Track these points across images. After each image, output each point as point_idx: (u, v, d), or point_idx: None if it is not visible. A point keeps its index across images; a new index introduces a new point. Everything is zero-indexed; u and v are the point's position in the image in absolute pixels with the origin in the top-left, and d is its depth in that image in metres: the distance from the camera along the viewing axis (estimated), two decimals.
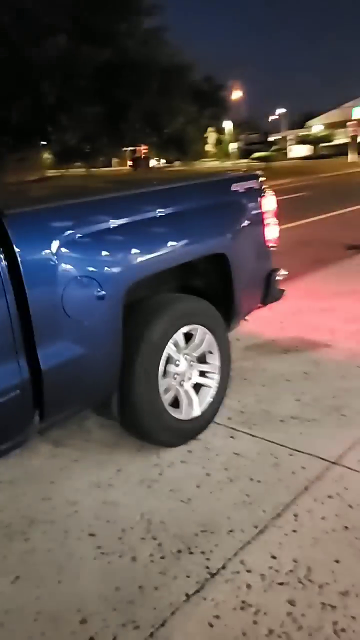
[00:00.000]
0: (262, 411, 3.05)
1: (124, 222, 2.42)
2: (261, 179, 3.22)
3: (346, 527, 2.05)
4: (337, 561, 1.88)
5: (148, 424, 2.60)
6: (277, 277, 3.33)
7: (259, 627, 1.65)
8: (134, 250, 2.43)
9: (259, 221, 3.13)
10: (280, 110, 70.82)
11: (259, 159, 40.37)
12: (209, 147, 44.66)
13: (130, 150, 35.11)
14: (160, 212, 2.61)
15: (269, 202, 3.18)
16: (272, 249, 3.26)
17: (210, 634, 1.66)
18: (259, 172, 3.31)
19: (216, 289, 3.01)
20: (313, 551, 1.94)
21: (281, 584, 1.81)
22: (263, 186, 3.20)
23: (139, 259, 2.45)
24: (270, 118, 70.78)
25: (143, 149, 33.82)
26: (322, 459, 2.51)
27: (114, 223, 2.36)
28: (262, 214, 3.14)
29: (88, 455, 2.76)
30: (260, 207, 3.13)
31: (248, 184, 3.14)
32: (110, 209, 2.44)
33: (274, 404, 3.11)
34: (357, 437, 2.67)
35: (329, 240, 8.46)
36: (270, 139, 54.74)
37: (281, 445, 2.68)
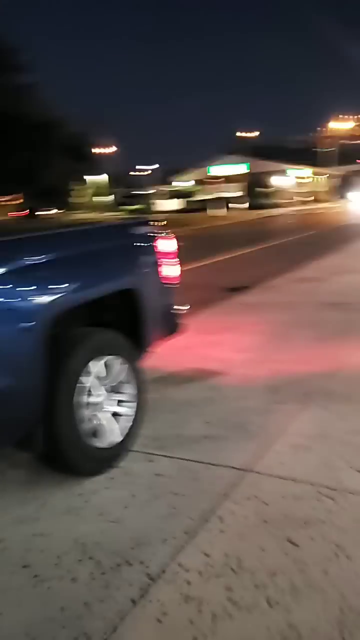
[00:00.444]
0: (175, 435, 3.26)
1: (43, 259, 2.57)
2: (159, 223, 3.57)
3: (265, 521, 2.31)
4: (262, 549, 2.12)
5: (71, 455, 2.69)
6: (179, 312, 3.65)
7: (203, 614, 1.82)
8: (51, 287, 2.58)
9: (160, 260, 3.45)
10: (152, 166, 74.69)
11: (133, 211, 42.13)
12: (84, 199, 45.54)
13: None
14: (71, 251, 2.81)
15: (170, 244, 3.52)
16: (174, 286, 3.58)
17: (160, 629, 1.78)
18: (154, 219, 3.66)
19: (126, 323, 3.22)
20: (240, 545, 2.17)
21: (217, 575, 2.00)
22: (160, 230, 3.54)
23: (57, 295, 2.60)
24: (144, 172, 74.25)
25: (18, 200, 33.50)
26: (236, 468, 2.78)
27: (32, 260, 2.51)
28: (162, 254, 3.46)
29: (5, 494, 2.73)
30: (159, 248, 3.45)
31: (147, 228, 3.48)
32: (30, 247, 2.59)
33: (184, 428, 3.34)
34: (263, 447, 2.99)
35: (208, 284, 9.12)
36: (143, 192, 57.34)
37: (197, 461, 2.91)
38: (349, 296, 7.22)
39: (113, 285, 3.04)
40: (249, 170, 60.61)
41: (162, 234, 3.52)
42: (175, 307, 3.64)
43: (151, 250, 3.37)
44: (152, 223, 3.56)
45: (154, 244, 3.41)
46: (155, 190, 61.31)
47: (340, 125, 51.45)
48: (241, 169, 61.41)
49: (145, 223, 3.53)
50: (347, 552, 2.05)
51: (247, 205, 53.77)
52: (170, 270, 3.55)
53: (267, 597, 1.86)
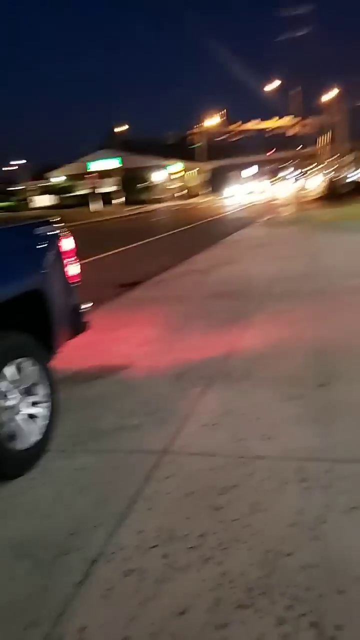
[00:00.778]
0: (90, 430, 3.37)
1: None
2: (57, 223, 3.62)
3: (188, 494, 2.54)
4: (189, 518, 2.35)
5: None
6: (84, 310, 3.75)
7: (146, 581, 1.99)
8: None
9: (62, 260, 3.51)
10: (19, 162, 71.50)
11: (2, 209, 40.28)
12: None
13: None
14: None
15: (68, 243, 3.59)
16: (76, 284, 3.66)
17: (108, 603, 1.92)
18: (54, 218, 3.70)
19: (34, 324, 3.25)
20: (169, 518, 2.37)
21: (152, 547, 2.18)
22: (60, 229, 3.59)
23: None
24: (10, 168, 70.83)
25: None
26: (154, 452, 2.97)
27: None
28: (64, 253, 3.52)
29: None
30: (61, 248, 3.51)
31: (47, 228, 3.51)
32: None
33: (98, 422, 3.46)
34: (175, 430, 3.22)
35: (97, 281, 9.16)
36: (15, 188, 54.98)
37: (115, 451, 3.06)
38: (233, 285, 7.75)
39: (19, 287, 3.05)
40: (121, 165, 60.83)
41: (64, 233, 3.58)
42: (80, 305, 3.73)
43: (55, 250, 3.42)
44: (53, 222, 3.59)
45: (58, 244, 3.46)
46: (25, 187, 59.08)
47: (210, 121, 53.69)
48: (114, 163, 61.49)
49: (47, 223, 3.56)
50: (262, 506, 2.35)
51: (123, 200, 54.01)
52: (72, 269, 3.63)
53: (199, 556, 2.09)
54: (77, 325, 3.70)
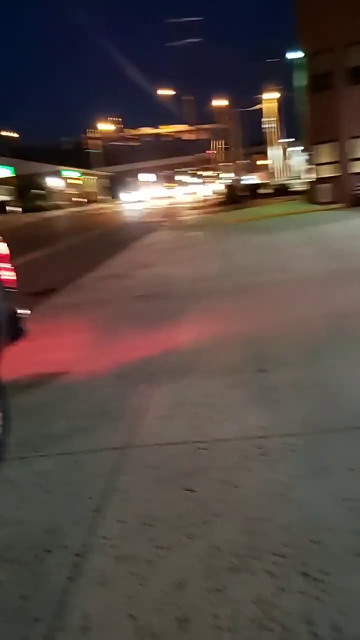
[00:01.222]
0: (43, 435, 3.35)
1: None
2: None
3: (160, 481, 2.64)
4: (167, 502, 2.46)
5: None
6: (21, 316, 3.70)
7: (138, 564, 2.07)
8: None
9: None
10: None
11: None
12: None
13: None
14: None
15: (2, 248, 3.54)
16: (11, 289, 3.61)
17: (106, 589, 1.98)
18: None
19: None
20: (147, 505, 2.46)
21: (138, 533, 2.27)
22: None
23: None
24: None
25: None
26: (116, 448, 3.04)
27: None
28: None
29: None
30: None
31: None
32: None
33: (50, 427, 3.45)
34: (132, 425, 3.31)
35: None
36: None
37: (75, 452, 3.08)
38: (154, 287, 7.93)
39: None
40: (13, 175, 58.93)
41: None
42: (18, 311, 3.68)
43: None
44: None
45: None
46: None
47: (106, 127, 53.58)
48: (6, 172, 59.38)
49: None
50: (233, 483, 2.52)
51: (20, 208, 52.34)
52: (7, 274, 3.58)
53: (185, 534, 2.21)
54: (15, 332, 3.65)
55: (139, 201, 56.24)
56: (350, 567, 1.90)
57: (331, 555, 1.97)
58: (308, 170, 22.36)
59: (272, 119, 49.34)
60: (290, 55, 22.02)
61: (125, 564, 2.09)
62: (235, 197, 33.70)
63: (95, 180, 77.72)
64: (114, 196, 76.35)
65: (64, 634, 1.80)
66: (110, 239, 19.27)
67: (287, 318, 5.26)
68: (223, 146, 54.63)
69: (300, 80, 20.95)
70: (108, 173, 79.87)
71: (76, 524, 2.40)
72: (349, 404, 3.18)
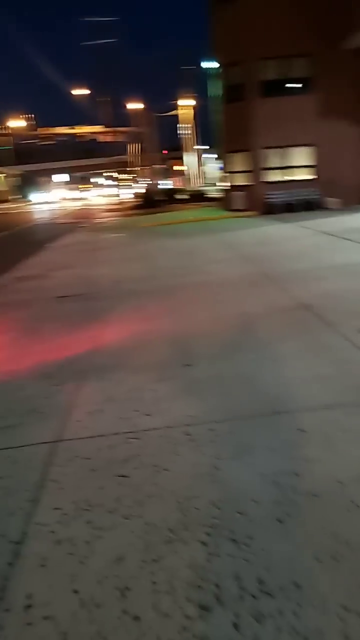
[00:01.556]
0: None
1: None
2: None
3: (93, 470, 2.76)
4: (101, 488, 2.58)
5: None
6: None
7: (78, 545, 2.19)
8: None
9: None
10: None
11: None
12: None
13: None
14: None
15: None
16: None
17: (47, 571, 2.07)
18: None
19: None
20: (82, 492, 2.57)
21: (75, 518, 2.37)
22: None
23: None
24: None
25: None
26: (47, 442, 3.11)
27: None
28: None
29: None
30: None
31: None
32: None
33: None
34: (62, 420, 3.38)
35: None
36: None
37: (6, 448, 3.10)
38: (77, 288, 7.93)
39: None
40: None
41: None
42: None
43: None
44: None
45: None
46: None
47: (17, 124, 51.76)
48: None
49: None
50: (163, 467, 2.70)
51: None
52: None
53: (121, 515, 2.35)
54: None
55: (52, 201, 54.84)
56: (272, 531, 2.15)
57: (255, 523, 2.21)
58: (222, 178, 23.20)
59: (188, 125, 50.45)
60: (206, 64, 22.67)
61: (65, 546, 2.20)
62: (152, 201, 34.07)
63: (3, 178, 74.89)
64: (25, 196, 73.94)
65: (9, 614, 1.88)
66: (26, 240, 18.78)
67: (208, 317, 5.54)
68: (140, 150, 55.09)
69: (215, 89, 21.70)
70: (19, 172, 77.28)
71: (12, 514, 2.45)
72: (267, 393, 3.48)
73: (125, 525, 2.29)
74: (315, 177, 19.30)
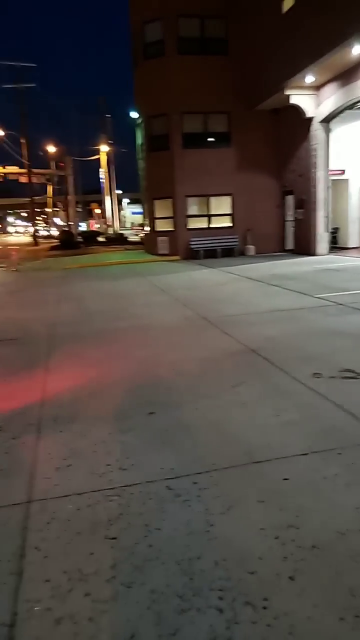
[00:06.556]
0: None
1: None
2: None
3: (78, 533, 2.55)
4: (91, 553, 2.38)
5: None
6: None
7: (80, 623, 1.98)
8: None
9: None
10: None
11: None
12: None
13: None
14: None
15: None
16: None
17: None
18: None
19: None
20: (71, 559, 2.35)
21: (70, 590, 2.16)
22: None
23: None
24: None
25: None
26: (17, 504, 2.84)
27: None
28: None
29: None
30: None
31: None
32: None
33: None
34: (29, 479, 3.11)
35: None
36: None
37: None
38: (8, 332, 7.54)
39: None
40: None
41: None
42: None
43: None
44: None
45: None
46: None
47: None
48: None
49: None
50: (154, 526, 2.55)
51: None
52: None
53: (121, 583, 2.18)
54: None
55: None
56: (287, 590, 2.08)
57: (267, 583, 2.13)
58: (145, 223, 23.62)
59: (104, 170, 51.08)
60: (130, 114, 23.36)
61: (66, 624, 1.99)
62: (72, 242, 33.82)
63: None
64: None
65: None
66: None
67: (159, 361, 5.47)
68: (59, 191, 54.86)
69: (139, 138, 22.32)
70: None
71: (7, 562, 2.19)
72: (239, 441, 3.45)
73: (128, 595, 2.12)
74: (233, 225, 20.26)
